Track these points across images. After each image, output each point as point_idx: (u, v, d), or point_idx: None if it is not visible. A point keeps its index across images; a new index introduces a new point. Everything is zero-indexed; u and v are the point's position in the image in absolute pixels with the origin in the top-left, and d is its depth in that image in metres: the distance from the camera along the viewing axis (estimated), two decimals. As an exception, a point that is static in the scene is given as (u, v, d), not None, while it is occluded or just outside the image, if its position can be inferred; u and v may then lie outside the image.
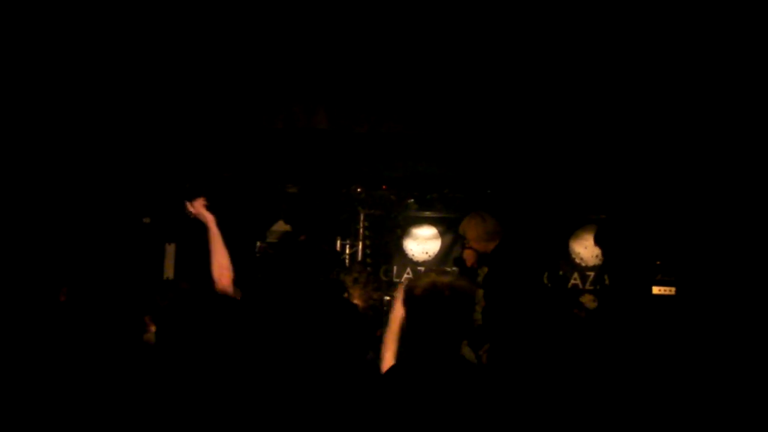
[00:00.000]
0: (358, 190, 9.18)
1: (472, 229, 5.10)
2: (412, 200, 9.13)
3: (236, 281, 3.28)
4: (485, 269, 3.56)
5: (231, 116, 4.57)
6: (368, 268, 3.56)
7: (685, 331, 4.42)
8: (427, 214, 9.18)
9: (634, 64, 3.71)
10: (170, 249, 7.60)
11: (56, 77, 4.37)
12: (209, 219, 3.37)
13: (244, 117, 4.57)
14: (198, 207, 3.43)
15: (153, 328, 3.85)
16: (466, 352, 3.08)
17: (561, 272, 8.57)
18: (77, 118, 5.02)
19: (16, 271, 4.72)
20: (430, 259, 9.18)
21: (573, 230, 8.58)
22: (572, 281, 8.57)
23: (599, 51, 3.55)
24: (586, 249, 8.39)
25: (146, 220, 6.79)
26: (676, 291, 5.34)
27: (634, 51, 3.53)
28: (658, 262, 5.76)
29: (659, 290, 5.44)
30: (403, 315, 2.19)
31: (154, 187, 7.20)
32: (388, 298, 5.94)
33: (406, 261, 9.35)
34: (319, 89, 4.38)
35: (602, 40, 3.43)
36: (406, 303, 2.17)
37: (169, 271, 7.48)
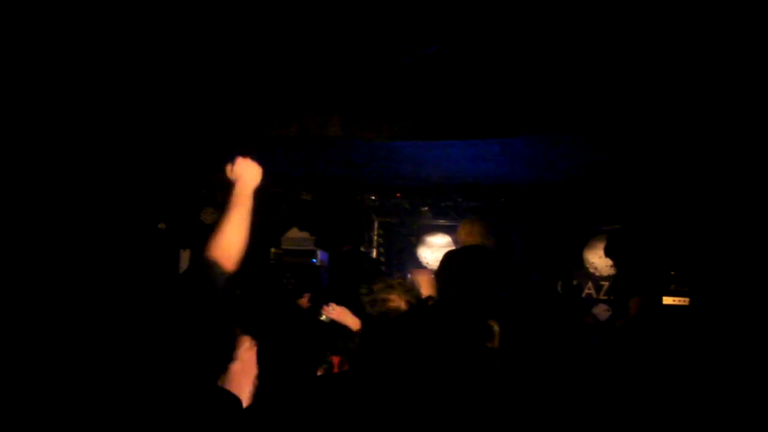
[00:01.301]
0: (372, 197, 9.24)
1: (461, 232, 6.17)
2: (426, 208, 9.18)
3: (249, 286, 3.14)
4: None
5: (246, 123, 4.61)
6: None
7: (698, 341, 4.41)
8: (441, 221, 9.21)
9: (643, 72, 3.71)
10: (185, 255, 7.65)
11: (75, 80, 4.42)
12: (244, 181, 2.80)
13: (258, 124, 4.61)
14: (242, 166, 2.86)
15: None
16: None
17: (575, 282, 8.57)
18: (92, 122, 5.09)
19: (26, 276, 4.77)
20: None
21: (587, 240, 8.57)
22: (586, 291, 8.56)
23: (603, 55, 3.56)
24: (600, 258, 8.37)
25: (161, 225, 6.85)
26: (690, 301, 5.33)
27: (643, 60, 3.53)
28: (672, 272, 5.74)
29: (672, 300, 5.42)
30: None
31: (169, 194, 7.26)
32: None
33: (420, 269, 9.37)
34: (332, 96, 4.40)
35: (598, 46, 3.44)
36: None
37: (184, 277, 7.53)
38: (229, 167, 2.85)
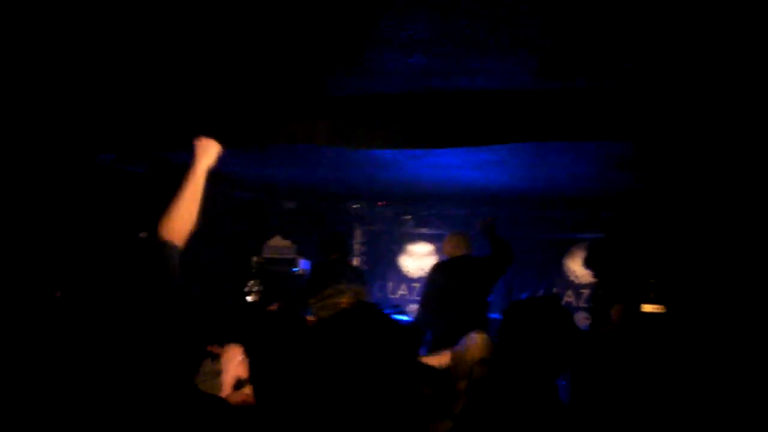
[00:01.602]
0: (355, 206, 9.27)
1: (446, 245, 6.68)
2: (409, 217, 9.22)
3: (230, 294, 3.12)
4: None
5: (229, 131, 4.61)
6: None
7: (676, 348, 4.46)
8: (424, 230, 9.25)
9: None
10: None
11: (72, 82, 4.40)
12: (200, 160, 2.81)
13: (242, 132, 4.61)
14: (200, 146, 2.87)
15: None
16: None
17: (554, 289, 8.64)
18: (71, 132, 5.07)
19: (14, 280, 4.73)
20: (425, 275, 9.22)
21: (568, 248, 8.65)
22: (566, 299, 8.63)
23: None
24: (580, 267, 8.45)
25: (143, 234, 6.81)
26: (666, 309, 5.39)
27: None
28: (652, 281, 5.81)
29: (651, 308, 5.49)
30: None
31: (150, 204, 7.22)
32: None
33: (402, 277, 9.40)
34: (318, 104, 4.41)
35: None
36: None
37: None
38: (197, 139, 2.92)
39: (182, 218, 2.67)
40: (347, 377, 1.93)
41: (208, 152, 2.89)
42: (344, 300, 2.95)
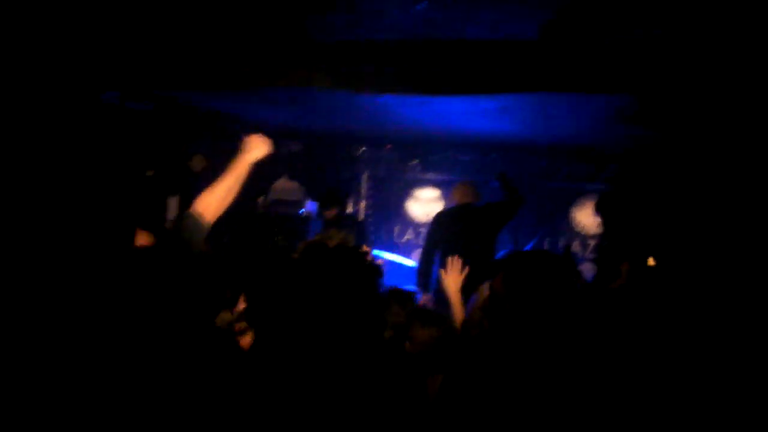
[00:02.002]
0: (362, 149, 9.21)
1: (454, 192, 6.86)
2: (416, 161, 9.16)
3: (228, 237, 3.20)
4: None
5: (234, 76, 4.56)
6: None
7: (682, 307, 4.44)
8: (431, 175, 9.20)
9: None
10: (173, 202, 7.62)
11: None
12: (250, 154, 3.08)
13: (246, 77, 4.56)
14: (253, 141, 3.12)
15: None
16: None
17: (561, 240, 8.63)
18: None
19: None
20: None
21: (576, 198, 8.60)
22: (572, 249, 8.61)
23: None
24: (588, 217, 8.42)
25: (149, 172, 6.80)
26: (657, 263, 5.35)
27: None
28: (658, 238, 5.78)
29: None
30: None
31: (157, 141, 7.21)
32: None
33: (408, 222, 9.39)
34: (320, 51, 4.35)
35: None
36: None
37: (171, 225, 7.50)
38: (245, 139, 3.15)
39: (219, 200, 2.93)
40: (320, 310, 2.02)
41: (257, 148, 3.12)
42: (331, 245, 2.92)
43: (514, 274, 2.49)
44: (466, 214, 6.63)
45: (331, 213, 6.88)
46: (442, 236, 6.54)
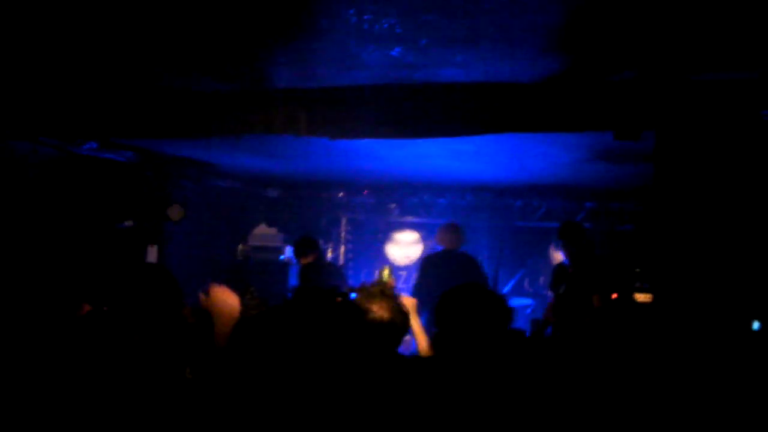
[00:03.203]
0: (340, 194, 9.26)
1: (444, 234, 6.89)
2: (394, 205, 9.22)
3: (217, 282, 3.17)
4: None
5: (210, 121, 4.60)
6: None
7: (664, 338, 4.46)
8: (409, 218, 9.25)
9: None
10: (152, 251, 7.59)
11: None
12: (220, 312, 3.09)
13: (223, 122, 4.59)
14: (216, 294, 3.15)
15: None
16: None
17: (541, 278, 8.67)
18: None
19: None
20: (411, 263, 9.24)
21: (551, 236, 8.65)
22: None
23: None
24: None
25: (129, 223, 6.79)
26: (653, 298, 5.38)
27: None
28: (637, 270, 5.79)
29: (643, 298, 5.46)
30: None
31: (137, 191, 7.21)
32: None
33: (388, 265, 9.39)
34: (299, 95, 4.40)
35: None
36: None
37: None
38: (202, 296, 3.10)
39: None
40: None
41: (226, 303, 3.09)
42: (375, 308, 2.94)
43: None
44: (451, 259, 6.71)
45: (306, 260, 6.86)
46: (428, 281, 6.56)
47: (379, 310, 2.76)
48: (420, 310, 6.34)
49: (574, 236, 5.65)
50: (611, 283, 5.12)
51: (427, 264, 6.88)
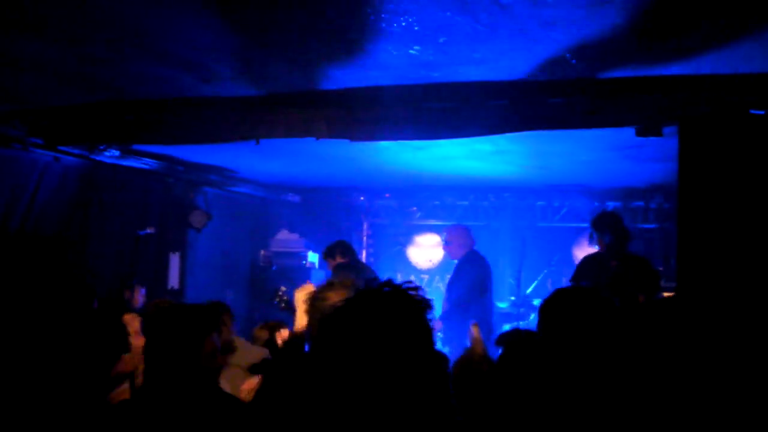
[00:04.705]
0: (361, 198, 9.26)
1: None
2: (415, 208, 9.21)
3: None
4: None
5: (233, 128, 4.60)
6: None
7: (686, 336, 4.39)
8: (431, 221, 9.23)
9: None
10: (175, 258, 7.63)
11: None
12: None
13: (244, 127, 4.60)
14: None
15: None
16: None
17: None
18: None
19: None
20: (433, 266, 9.22)
21: (575, 236, 8.59)
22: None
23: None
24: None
25: (150, 229, 6.82)
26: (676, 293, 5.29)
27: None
28: (660, 268, 5.71)
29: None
30: None
31: (159, 198, 7.25)
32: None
33: (411, 268, 9.39)
34: (318, 99, 4.39)
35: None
36: None
37: (173, 281, 7.52)
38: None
39: None
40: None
41: None
42: (331, 295, 2.82)
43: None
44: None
45: (340, 260, 6.80)
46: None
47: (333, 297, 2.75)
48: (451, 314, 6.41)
49: (611, 225, 5.45)
50: (655, 284, 5.00)
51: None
